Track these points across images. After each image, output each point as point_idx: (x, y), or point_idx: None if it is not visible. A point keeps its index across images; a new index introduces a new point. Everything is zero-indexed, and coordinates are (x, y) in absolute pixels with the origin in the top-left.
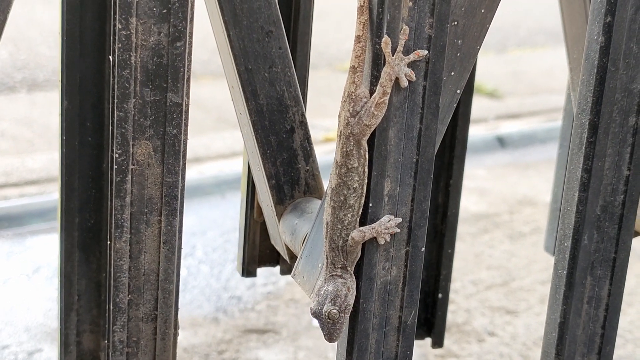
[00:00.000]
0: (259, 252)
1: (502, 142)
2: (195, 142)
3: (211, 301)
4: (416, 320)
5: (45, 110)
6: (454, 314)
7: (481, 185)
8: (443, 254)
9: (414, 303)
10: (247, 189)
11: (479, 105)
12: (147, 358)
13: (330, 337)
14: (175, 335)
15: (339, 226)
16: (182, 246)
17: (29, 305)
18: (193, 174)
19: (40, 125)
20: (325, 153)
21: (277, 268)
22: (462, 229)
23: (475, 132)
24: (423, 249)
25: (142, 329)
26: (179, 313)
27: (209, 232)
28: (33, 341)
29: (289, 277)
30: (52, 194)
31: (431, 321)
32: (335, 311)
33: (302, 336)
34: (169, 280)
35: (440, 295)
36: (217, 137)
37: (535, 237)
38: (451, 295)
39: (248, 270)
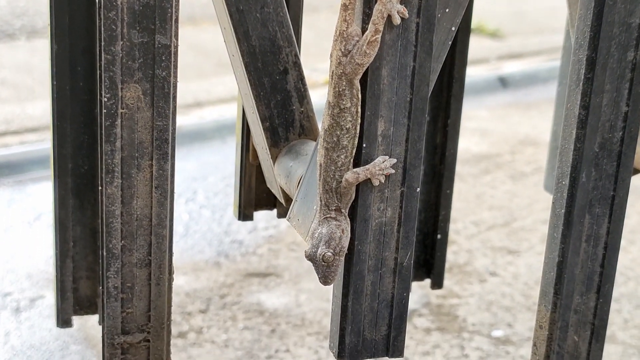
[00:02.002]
0: (255, 195)
1: (503, 83)
2: (196, 87)
3: (213, 245)
4: (412, 262)
5: (45, 57)
6: (456, 254)
7: (483, 126)
8: (442, 194)
9: (409, 244)
10: (242, 132)
11: (480, 45)
12: (142, 304)
13: (325, 280)
14: (170, 280)
15: (333, 168)
16: (184, 191)
17: (30, 253)
18: (194, 119)
19: (41, 73)
20: (325, 96)
21: (275, 211)
22: (463, 169)
23: (477, 72)
24: (418, 189)
25: (136, 274)
26: (181, 258)
27: (210, 176)
28: (35, 288)
29: (288, 222)
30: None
31: (430, 262)
32: (329, 254)
33: (303, 279)
34: (162, 225)
35: (439, 236)
36: (218, 81)
37: (537, 177)
38: (452, 236)
39: (245, 214)
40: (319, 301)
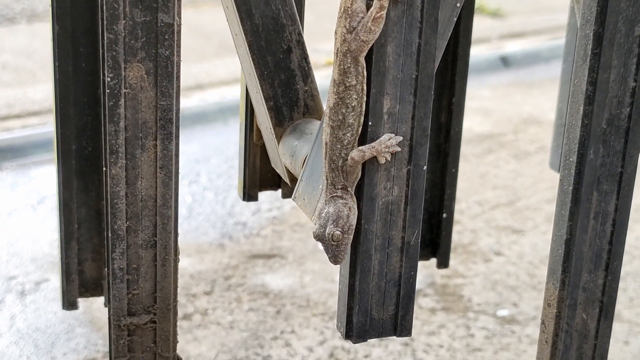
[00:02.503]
0: (259, 175)
1: (505, 62)
2: (197, 69)
3: (216, 227)
4: (419, 241)
5: (46, 41)
6: (460, 234)
7: (485, 106)
8: (447, 173)
9: (416, 223)
10: (245, 112)
11: (481, 25)
12: (148, 285)
13: (335, 259)
14: (176, 261)
15: (338, 146)
16: (187, 173)
17: (34, 236)
18: (195, 101)
19: (41, 56)
20: (328, 77)
21: (279, 192)
22: (466, 149)
23: (478, 52)
24: (425, 167)
25: (141, 255)
26: (185, 240)
27: (213, 158)
28: (40, 271)
29: (294, 203)
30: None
31: (436, 241)
32: (338, 233)
33: (308, 260)
34: (167, 205)
35: (444, 215)
36: (219, 63)
37: (541, 155)
38: (457, 216)
39: (249, 194)
40: (324, 282)
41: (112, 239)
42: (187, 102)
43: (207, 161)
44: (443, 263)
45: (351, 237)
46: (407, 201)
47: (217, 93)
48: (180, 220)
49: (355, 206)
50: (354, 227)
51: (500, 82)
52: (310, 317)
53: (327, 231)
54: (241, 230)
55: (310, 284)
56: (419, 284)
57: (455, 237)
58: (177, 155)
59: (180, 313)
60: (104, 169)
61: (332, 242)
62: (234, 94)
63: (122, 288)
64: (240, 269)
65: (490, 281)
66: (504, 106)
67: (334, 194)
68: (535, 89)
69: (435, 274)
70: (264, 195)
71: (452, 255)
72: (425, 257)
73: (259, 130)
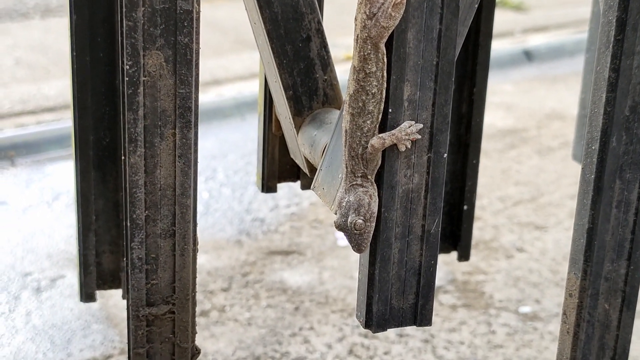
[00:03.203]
0: (278, 167)
1: (529, 56)
2: (214, 64)
3: (234, 224)
4: (440, 229)
5: (59, 36)
6: (482, 230)
7: (508, 100)
8: (468, 164)
9: (437, 211)
10: (264, 102)
11: (504, 18)
12: (166, 275)
13: (358, 247)
14: (195, 251)
15: (358, 133)
16: (203, 170)
17: (50, 233)
18: (212, 96)
19: (55, 52)
20: (347, 72)
21: (298, 184)
22: (489, 145)
23: (501, 46)
24: (445, 155)
25: (160, 245)
26: (202, 236)
27: (230, 154)
28: (55, 268)
29: (312, 198)
30: (69, 121)
31: (457, 234)
32: (360, 221)
33: (326, 256)
34: (186, 194)
35: (465, 207)
36: (236, 58)
37: (564, 151)
38: (478, 212)
39: (268, 185)
40: (343, 278)
41: (131, 228)
42: (204, 97)
43: (224, 157)
44: (464, 256)
45: (373, 224)
46: (427, 189)
47: (234, 88)
48: (197, 217)
49: (376, 194)
50: (375, 214)
51: (524, 76)
52: (329, 313)
53: (349, 220)
54: (259, 227)
55: (329, 280)
56: (439, 281)
57: (476, 233)
58: (195, 144)
59: (197, 310)
60: (123, 157)
61: (355, 231)
62: (251, 89)
63: (140, 278)
64: (258, 266)
65: (512, 278)
66: (527, 101)
67: (354, 182)
68: (559, 83)
69: (456, 271)
70: (282, 192)
71: (473, 252)
72: (446, 250)
73: (277, 121)
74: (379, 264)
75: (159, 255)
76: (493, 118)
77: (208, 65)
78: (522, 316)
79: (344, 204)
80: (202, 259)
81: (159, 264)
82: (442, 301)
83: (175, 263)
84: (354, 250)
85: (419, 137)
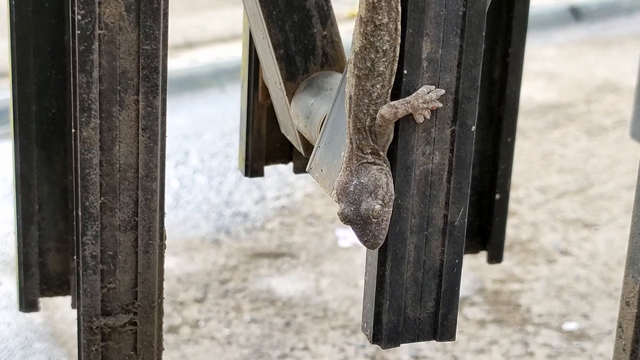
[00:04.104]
0: (266, 145)
1: (576, 14)
2: (186, 23)
3: (210, 219)
4: (466, 221)
5: None
6: (518, 228)
7: (550, 68)
8: (501, 143)
9: (462, 198)
10: (249, 64)
11: None
12: (127, 277)
13: (375, 240)
14: (162, 247)
15: (366, 100)
16: (173, 152)
17: None
18: (184, 62)
19: None
20: (350, 32)
21: (290, 166)
22: (526, 123)
23: (542, 1)
24: (473, 128)
25: (119, 240)
26: (171, 235)
27: (206, 134)
28: None
29: (308, 188)
30: (6, 91)
31: (487, 229)
32: (378, 206)
33: (325, 260)
34: (152, 177)
35: (497, 196)
36: (214, 15)
37: (620, 131)
38: (514, 206)
39: (253, 168)
40: (345, 287)
41: (83, 219)
42: (174, 63)
43: (198, 137)
44: (495, 257)
45: (391, 210)
46: (451, 171)
47: (211, 52)
48: (165, 210)
49: (391, 173)
50: (394, 197)
51: (570, 39)
52: (328, 330)
53: (363, 207)
54: (241, 223)
55: (328, 289)
56: (465, 290)
57: (511, 231)
58: (163, 114)
59: (165, 324)
60: (73, 131)
61: (373, 220)
62: (232, 53)
63: (94, 281)
64: (240, 271)
65: (555, 287)
66: (574, 69)
67: (363, 160)
68: (614, 48)
69: (486, 278)
70: (271, 180)
71: (507, 254)
72: (473, 250)
73: (265, 88)
74: (390, 263)
75: (118, 252)
76: (532, 90)
77: (179, 25)
78: (567, 334)
79: (351, 188)
80: (171, 263)
81: (118, 263)
82: (468, 315)
83: (137, 262)
84: (367, 245)
85: (441, 105)
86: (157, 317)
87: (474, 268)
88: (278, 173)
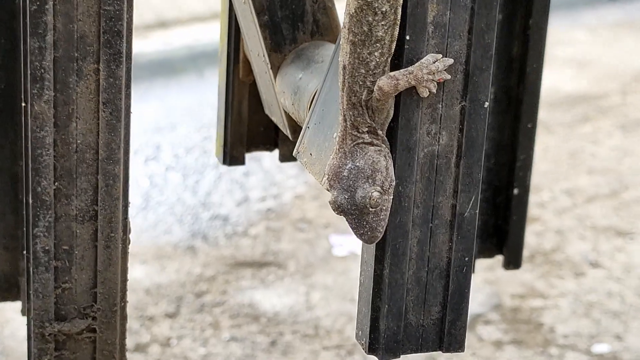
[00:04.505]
0: (247, 128)
1: None
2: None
3: (185, 223)
4: (477, 212)
5: None
6: (541, 236)
7: (580, 54)
8: (520, 130)
9: (474, 185)
10: (228, 35)
11: None
12: (85, 276)
13: (373, 233)
14: (126, 242)
15: (362, 70)
16: (142, 147)
17: None
18: (156, 44)
19: None
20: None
21: (276, 153)
22: (551, 116)
23: None
24: (487, 104)
25: (76, 232)
26: (139, 240)
27: (181, 126)
28: None
29: (298, 188)
30: None
31: (503, 229)
32: (376, 193)
33: (317, 271)
34: (114, 159)
35: (516, 191)
36: None
37: None
38: (537, 210)
39: (232, 155)
40: (339, 302)
41: (34, 207)
42: (146, 45)
43: (172, 129)
44: (513, 262)
45: (391, 198)
46: (460, 153)
47: (187, 33)
48: (132, 212)
49: (391, 155)
50: (394, 183)
51: (603, 20)
52: (320, 350)
53: (359, 194)
54: (220, 228)
55: (320, 304)
56: (478, 306)
57: (533, 239)
58: (128, 86)
59: (131, 342)
60: (24, 105)
61: (370, 209)
62: (211, 34)
63: (47, 280)
64: (218, 282)
65: (583, 304)
66: (608, 55)
67: (359, 140)
68: None
69: (503, 292)
70: (256, 179)
71: (529, 266)
72: (488, 253)
73: (247, 62)
74: (389, 260)
75: (74, 246)
76: (559, 78)
77: (151, 1)
78: (597, 358)
79: (345, 172)
80: (139, 272)
81: (74, 259)
82: (483, 335)
83: (97, 259)
84: (363, 238)
85: (448, 77)
86: (119, 323)
87: (490, 281)
88: (264, 171)
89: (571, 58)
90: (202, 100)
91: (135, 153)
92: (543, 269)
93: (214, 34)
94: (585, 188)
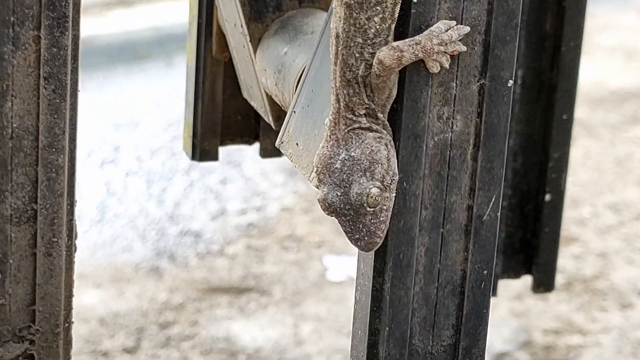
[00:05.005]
0: (222, 116)
1: None
2: None
3: (148, 240)
4: (499, 216)
5: None
6: (580, 260)
7: (629, 42)
8: (553, 124)
9: (495, 183)
10: (198, 3)
11: None
12: (21, 290)
13: (371, 238)
14: (72, 249)
15: (359, 40)
16: (98, 147)
17: None
18: (117, 25)
19: None
20: None
21: (256, 147)
22: (595, 116)
23: None
24: (511, 82)
25: (10, 236)
26: (93, 259)
27: (144, 122)
28: None
29: (286, 199)
30: None
31: (532, 244)
32: (375, 190)
33: (307, 298)
34: (57, 147)
35: (548, 197)
36: None
37: None
38: (575, 229)
39: (203, 149)
40: (334, 335)
41: None
42: (103, 25)
43: (134, 126)
44: (544, 284)
45: (393, 196)
46: (478, 143)
47: (153, 12)
48: (86, 226)
49: (393, 144)
50: (397, 179)
51: None
52: None
53: (354, 191)
54: (192, 246)
55: (312, 338)
56: (503, 343)
57: (570, 263)
58: (75, 58)
59: None
60: None
61: (368, 209)
62: (181, 15)
63: None
64: (188, 311)
65: (631, 341)
66: None
67: (355, 125)
68: None
69: (534, 327)
70: (235, 187)
71: (565, 296)
72: (513, 273)
73: (222, 35)
74: (391, 273)
75: (8, 254)
76: (603, 71)
77: None
78: None
79: (337, 164)
80: (91, 298)
81: (9, 270)
82: None
83: (36, 269)
84: (359, 246)
85: (464, 48)
86: (62, 348)
87: (517, 313)
88: (244, 177)
89: (618, 47)
90: (171, 92)
91: (89, 155)
92: (582, 298)
93: (184, 13)
94: (634, 202)
